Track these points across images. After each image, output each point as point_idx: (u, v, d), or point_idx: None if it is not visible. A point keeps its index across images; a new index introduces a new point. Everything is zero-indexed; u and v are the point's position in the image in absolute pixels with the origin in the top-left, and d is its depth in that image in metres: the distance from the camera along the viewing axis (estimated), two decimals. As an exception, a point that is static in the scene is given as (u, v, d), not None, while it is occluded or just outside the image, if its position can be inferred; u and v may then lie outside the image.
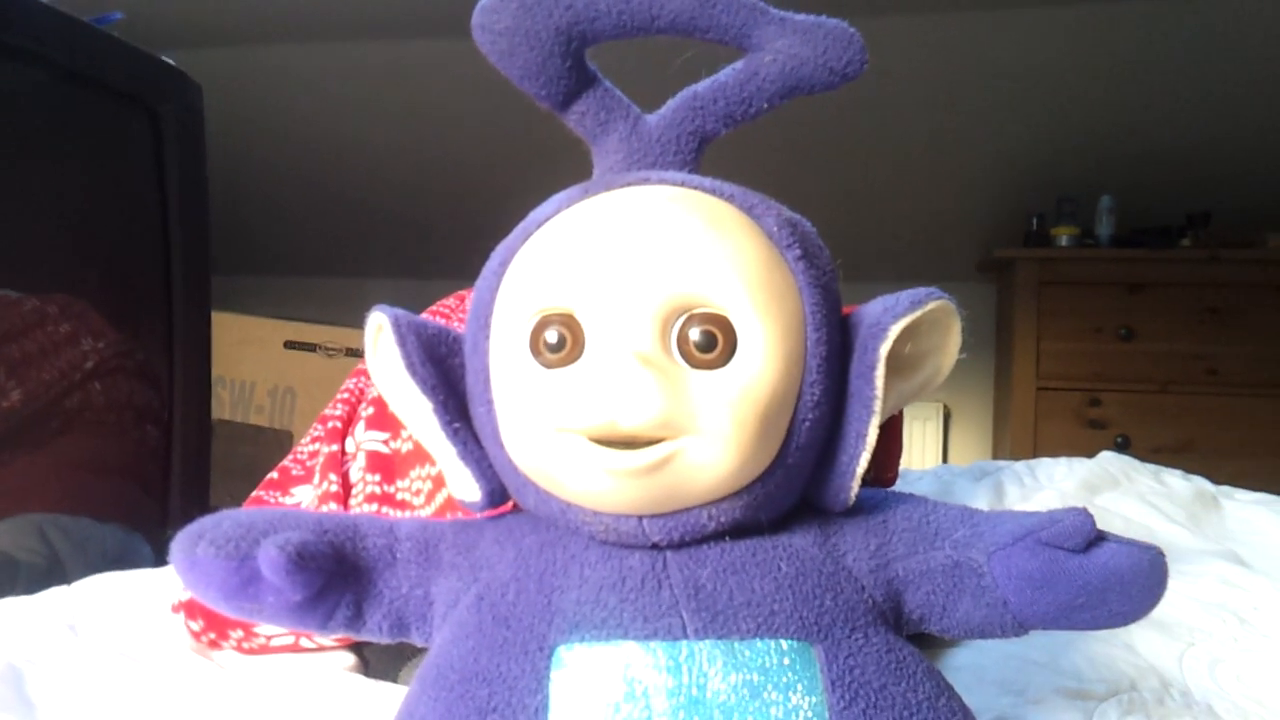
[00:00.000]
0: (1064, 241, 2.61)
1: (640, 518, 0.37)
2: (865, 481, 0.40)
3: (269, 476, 0.83)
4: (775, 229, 0.38)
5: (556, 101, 0.42)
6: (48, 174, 1.44)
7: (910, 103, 2.64)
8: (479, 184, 2.78)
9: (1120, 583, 0.38)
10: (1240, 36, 2.36)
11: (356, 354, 2.42)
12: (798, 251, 0.38)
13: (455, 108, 2.71)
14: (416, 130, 2.88)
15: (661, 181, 0.39)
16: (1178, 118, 2.56)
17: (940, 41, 2.50)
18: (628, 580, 0.37)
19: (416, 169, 2.96)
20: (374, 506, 0.73)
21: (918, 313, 0.37)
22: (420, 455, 0.74)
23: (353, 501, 0.75)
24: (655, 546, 0.38)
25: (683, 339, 0.36)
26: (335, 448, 0.79)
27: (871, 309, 0.39)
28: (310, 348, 2.48)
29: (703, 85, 0.42)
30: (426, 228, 3.02)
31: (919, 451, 2.92)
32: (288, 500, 0.80)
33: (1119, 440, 2.48)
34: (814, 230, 0.40)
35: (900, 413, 0.88)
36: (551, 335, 0.37)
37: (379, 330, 0.41)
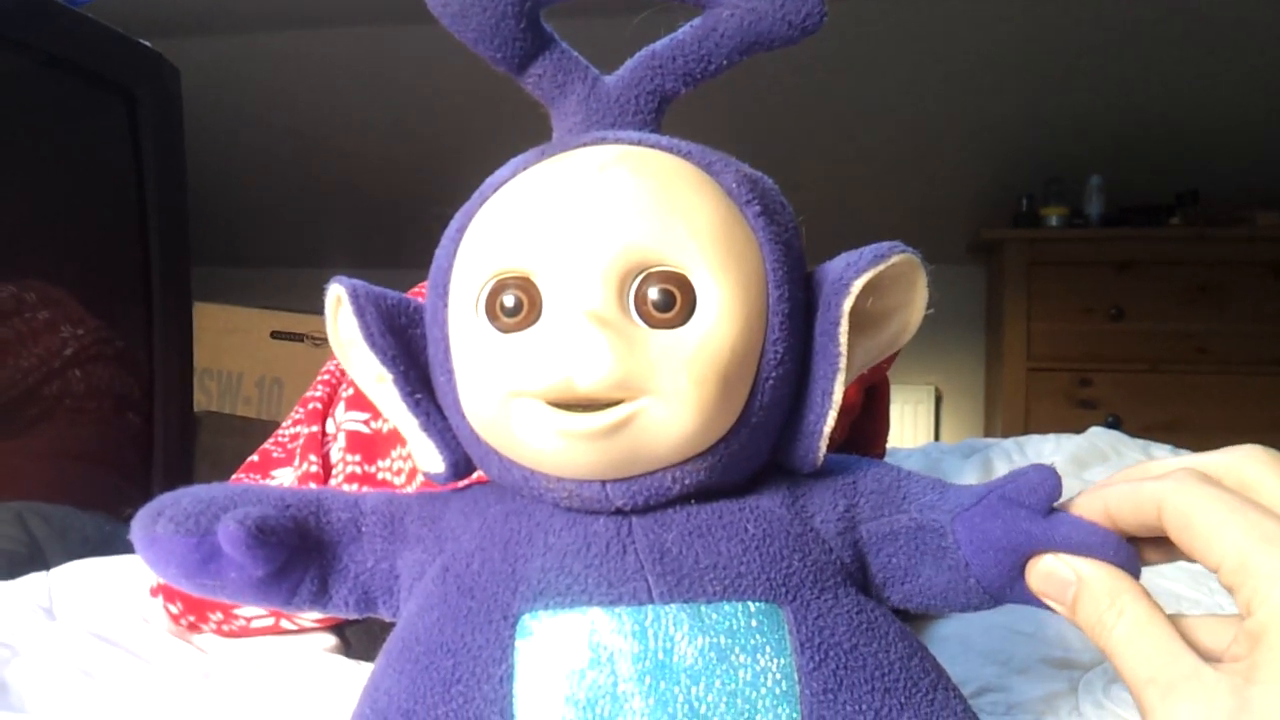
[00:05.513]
0: (1053, 222, 2.61)
1: (603, 483, 0.36)
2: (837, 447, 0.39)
3: (249, 459, 0.82)
4: (734, 186, 0.38)
5: (512, 64, 0.41)
6: (22, 158, 1.42)
7: (897, 84, 2.63)
8: (461, 171, 2.77)
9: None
10: (1227, 15, 2.36)
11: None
12: (757, 208, 0.37)
13: (438, 95, 2.70)
14: (396, 119, 2.86)
15: (618, 141, 0.39)
16: (1166, 97, 2.56)
17: (927, 21, 2.48)
18: (592, 546, 0.36)
19: (397, 158, 2.95)
20: (354, 487, 0.73)
21: (880, 267, 0.36)
22: (401, 435, 0.73)
23: (333, 482, 0.74)
24: (619, 511, 0.37)
25: (640, 298, 0.35)
26: (316, 429, 0.78)
27: (835, 265, 0.38)
28: (297, 338, 2.46)
29: (661, 44, 0.41)
30: (409, 216, 3.01)
31: (910, 433, 2.92)
32: (268, 483, 0.79)
33: (1110, 420, 2.48)
34: (775, 187, 0.40)
35: (888, 388, 0.88)
36: (509, 299, 0.36)
37: (338, 302, 0.40)
